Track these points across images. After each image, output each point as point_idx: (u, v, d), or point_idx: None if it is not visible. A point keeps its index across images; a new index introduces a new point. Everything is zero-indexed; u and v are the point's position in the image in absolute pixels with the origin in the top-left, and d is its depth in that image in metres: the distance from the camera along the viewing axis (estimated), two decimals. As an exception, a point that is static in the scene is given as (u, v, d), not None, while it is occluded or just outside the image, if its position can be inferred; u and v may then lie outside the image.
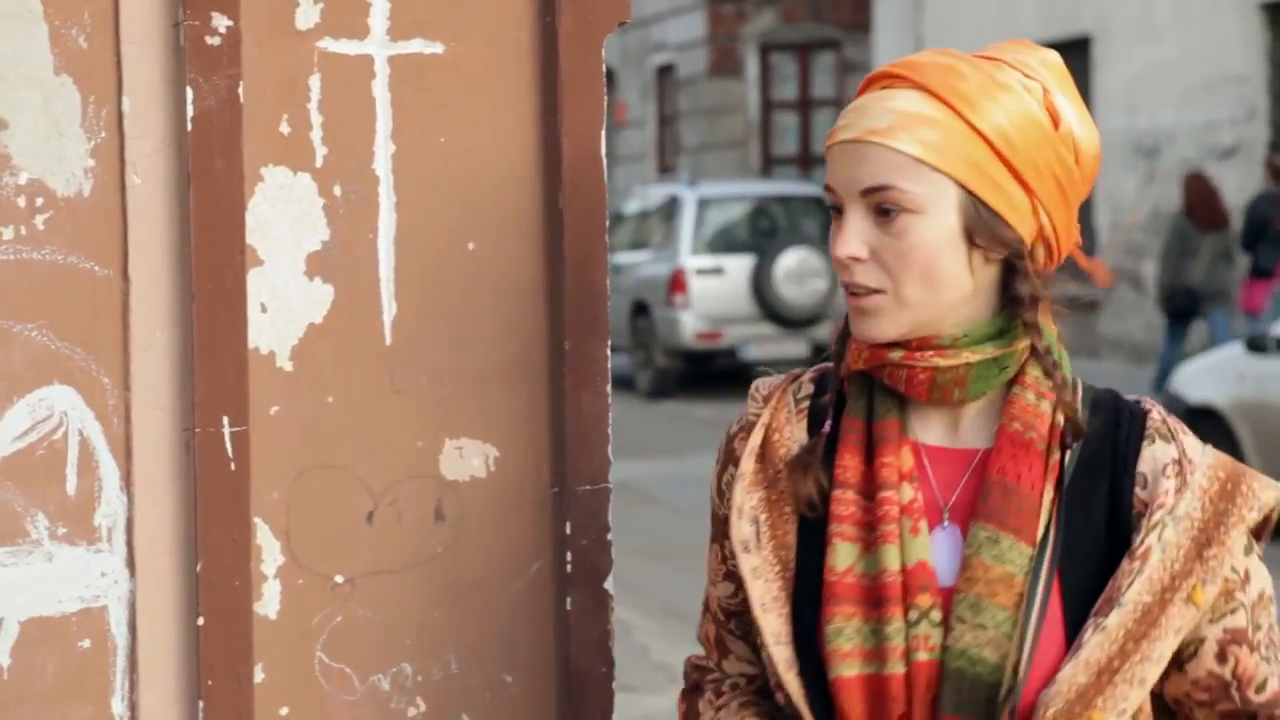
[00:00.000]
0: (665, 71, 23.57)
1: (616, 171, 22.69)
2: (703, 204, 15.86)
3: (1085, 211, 17.45)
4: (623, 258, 15.91)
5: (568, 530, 1.92)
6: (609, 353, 1.94)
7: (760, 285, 15.39)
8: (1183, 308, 12.93)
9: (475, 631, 1.91)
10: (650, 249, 16.20)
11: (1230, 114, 15.27)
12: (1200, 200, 13.09)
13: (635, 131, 23.98)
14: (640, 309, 15.78)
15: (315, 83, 1.84)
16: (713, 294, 15.43)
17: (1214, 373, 9.77)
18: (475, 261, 1.91)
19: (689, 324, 15.35)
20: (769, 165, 22.05)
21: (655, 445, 12.24)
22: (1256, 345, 9.46)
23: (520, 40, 1.91)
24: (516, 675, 1.93)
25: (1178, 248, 12.99)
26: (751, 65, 21.97)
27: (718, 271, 15.54)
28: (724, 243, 15.85)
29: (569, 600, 1.92)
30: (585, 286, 1.93)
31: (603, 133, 1.94)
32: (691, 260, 15.51)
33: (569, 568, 1.92)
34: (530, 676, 1.93)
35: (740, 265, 15.53)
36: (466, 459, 1.91)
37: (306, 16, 1.84)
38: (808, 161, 22.05)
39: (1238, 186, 15.22)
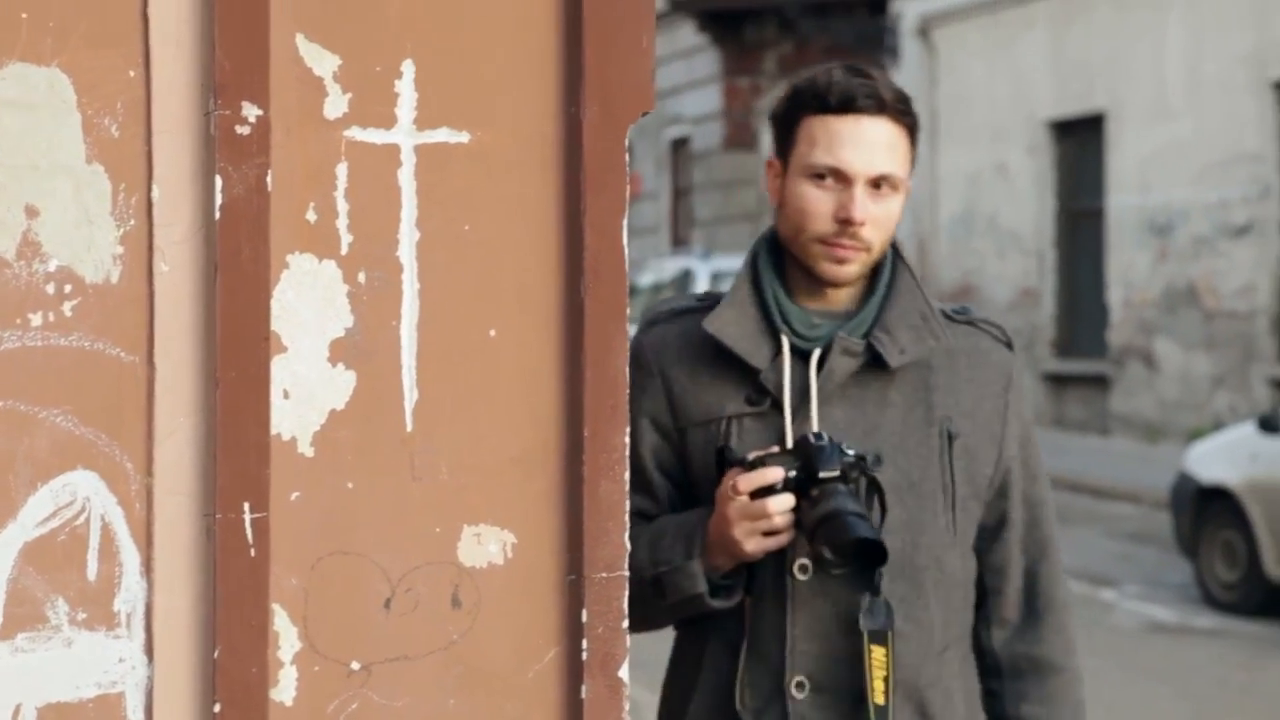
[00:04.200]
0: (680, 144, 23.69)
1: (631, 244, 22.70)
2: (716, 277, 15.92)
3: (1097, 288, 17.56)
4: (636, 331, 15.96)
5: (584, 618, 1.92)
6: (627, 441, 1.94)
7: (772, 358, 15.41)
8: None
9: (490, 719, 1.91)
10: (663, 320, 16.24)
11: (1243, 193, 15.31)
12: None
13: (650, 204, 24.07)
14: (652, 380, 15.80)
15: (342, 171, 1.86)
16: (725, 366, 15.45)
17: (1226, 453, 9.75)
18: (496, 349, 1.92)
19: (701, 396, 15.35)
20: (782, 238, 22.10)
21: (666, 517, 12.19)
22: (1268, 425, 9.45)
23: (545, 131, 1.93)
24: (531, 763, 1.92)
25: None
26: (766, 139, 22.05)
27: (730, 343, 15.56)
28: (737, 315, 15.89)
29: (584, 688, 1.92)
30: (604, 375, 1.94)
31: (625, 222, 1.96)
32: (704, 332, 15.54)
33: (585, 655, 1.92)
34: (545, 764, 1.93)
35: (753, 338, 15.56)
36: (484, 545, 1.91)
37: (335, 106, 1.86)
38: (821, 234, 22.11)
39: (1252, 264, 15.24)
